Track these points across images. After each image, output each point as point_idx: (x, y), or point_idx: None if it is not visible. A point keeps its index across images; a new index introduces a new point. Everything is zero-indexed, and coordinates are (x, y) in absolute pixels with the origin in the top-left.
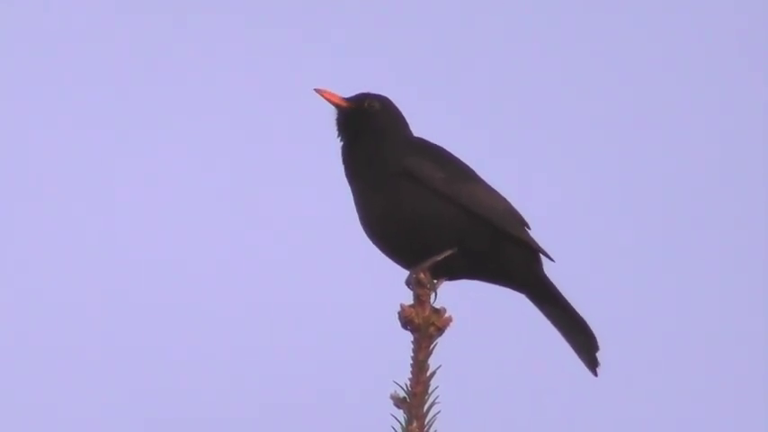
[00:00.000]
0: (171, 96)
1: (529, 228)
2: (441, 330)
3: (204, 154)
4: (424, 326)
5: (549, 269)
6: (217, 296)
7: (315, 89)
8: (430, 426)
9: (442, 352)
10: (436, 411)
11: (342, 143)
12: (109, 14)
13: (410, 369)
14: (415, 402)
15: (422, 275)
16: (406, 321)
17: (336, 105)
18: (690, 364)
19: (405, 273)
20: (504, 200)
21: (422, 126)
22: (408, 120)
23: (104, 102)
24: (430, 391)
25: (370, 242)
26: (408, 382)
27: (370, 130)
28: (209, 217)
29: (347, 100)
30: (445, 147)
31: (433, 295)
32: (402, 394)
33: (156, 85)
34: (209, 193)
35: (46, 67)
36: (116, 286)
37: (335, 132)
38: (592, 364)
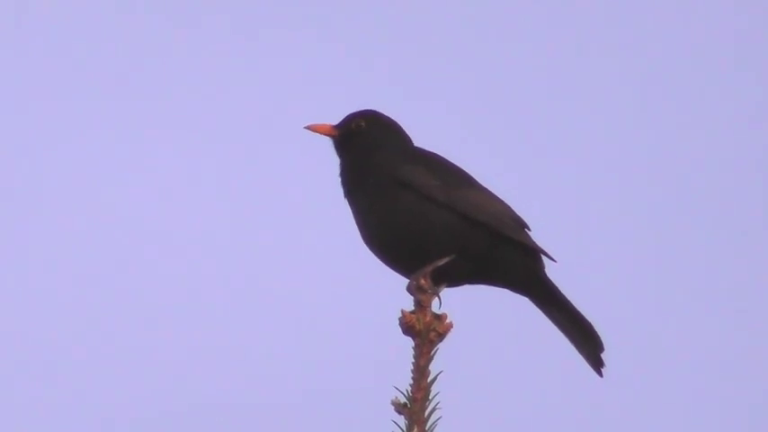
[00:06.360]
0: (168, 97)
1: (529, 229)
2: (442, 336)
3: (204, 156)
4: (425, 331)
5: (552, 270)
6: (216, 300)
7: (305, 126)
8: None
9: (443, 357)
10: (437, 417)
11: (339, 166)
12: (107, 15)
13: (411, 375)
14: (416, 408)
15: (422, 281)
16: (408, 327)
17: (327, 135)
18: (693, 364)
19: (406, 279)
20: (502, 203)
21: (420, 130)
22: (406, 127)
23: (102, 101)
24: (431, 396)
25: (371, 254)
26: (409, 388)
27: (362, 148)
28: (209, 221)
29: (336, 127)
30: (443, 150)
31: (437, 301)
32: (403, 400)
33: (153, 85)
34: (209, 196)
35: (44, 67)
36: (115, 287)
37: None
38: (597, 364)
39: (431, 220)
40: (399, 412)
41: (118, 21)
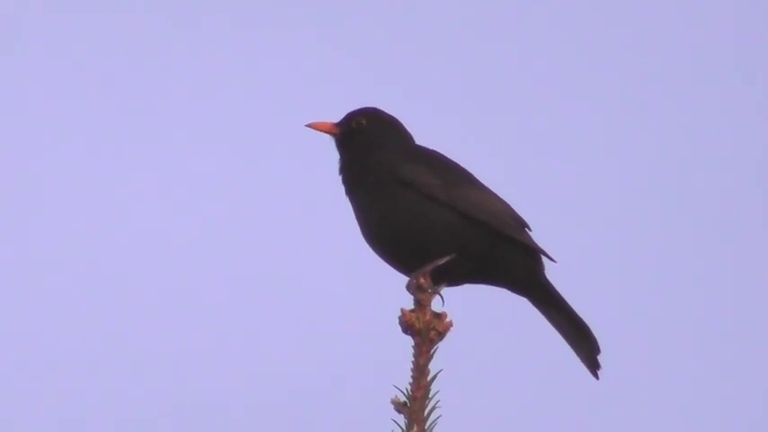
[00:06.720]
0: (168, 96)
1: (530, 229)
2: (441, 335)
3: (205, 155)
4: (424, 330)
5: (551, 270)
6: (216, 299)
7: (306, 125)
8: (431, 430)
9: (443, 356)
10: (437, 416)
11: (340, 164)
12: (107, 15)
13: (411, 373)
14: (415, 407)
15: (422, 280)
16: (407, 326)
17: (328, 133)
18: (690, 365)
19: (406, 278)
20: (503, 202)
21: (420, 129)
22: (407, 125)
23: (102, 101)
24: (431, 395)
25: (372, 252)
26: (409, 387)
27: (363, 146)
28: (210, 220)
29: (337, 125)
30: (443, 150)
31: (440, 299)
32: (403, 399)
33: (153, 85)
34: (210, 196)
35: (43, 66)
36: (115, 287)
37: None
38: (593, 366)
39: (431, 218)
40: (399, 411)
41: (117, 21)
